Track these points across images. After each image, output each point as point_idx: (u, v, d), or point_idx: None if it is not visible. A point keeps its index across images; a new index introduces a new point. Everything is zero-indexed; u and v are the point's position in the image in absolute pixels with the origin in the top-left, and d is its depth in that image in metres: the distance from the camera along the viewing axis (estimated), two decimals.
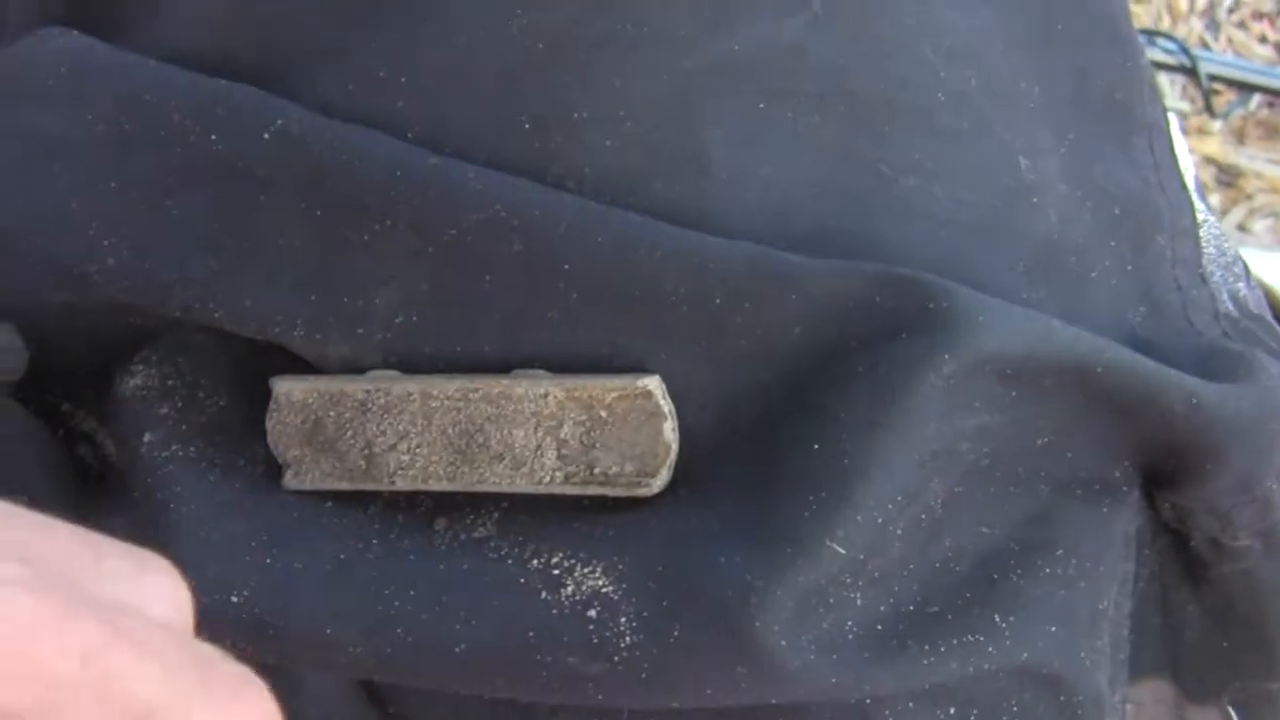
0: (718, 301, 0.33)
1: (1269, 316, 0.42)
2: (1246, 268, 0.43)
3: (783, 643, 0.32)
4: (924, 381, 0.32)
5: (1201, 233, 0.41)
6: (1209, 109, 1.71)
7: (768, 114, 0.35)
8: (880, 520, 0.32)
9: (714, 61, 0.35)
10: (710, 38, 0.35)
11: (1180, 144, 0.43)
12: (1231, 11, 1.98)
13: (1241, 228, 1.75)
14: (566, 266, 0.33)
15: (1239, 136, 1.85)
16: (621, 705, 0.33)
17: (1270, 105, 1.85)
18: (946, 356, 0.32)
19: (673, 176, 0.34)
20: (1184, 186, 0.41)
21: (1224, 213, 1.79)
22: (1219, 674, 0.38)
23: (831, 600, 0.32)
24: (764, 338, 0.33)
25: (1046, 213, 0.37)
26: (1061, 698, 0.34)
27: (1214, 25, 1.97)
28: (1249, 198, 1.80)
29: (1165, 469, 0.36)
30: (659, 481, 0.34)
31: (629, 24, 0.35)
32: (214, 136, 0.34)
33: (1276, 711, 0.38)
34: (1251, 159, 1.82)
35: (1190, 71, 1.62)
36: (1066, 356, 0.34)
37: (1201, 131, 1.83)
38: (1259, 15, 1.98)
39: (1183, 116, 1.85)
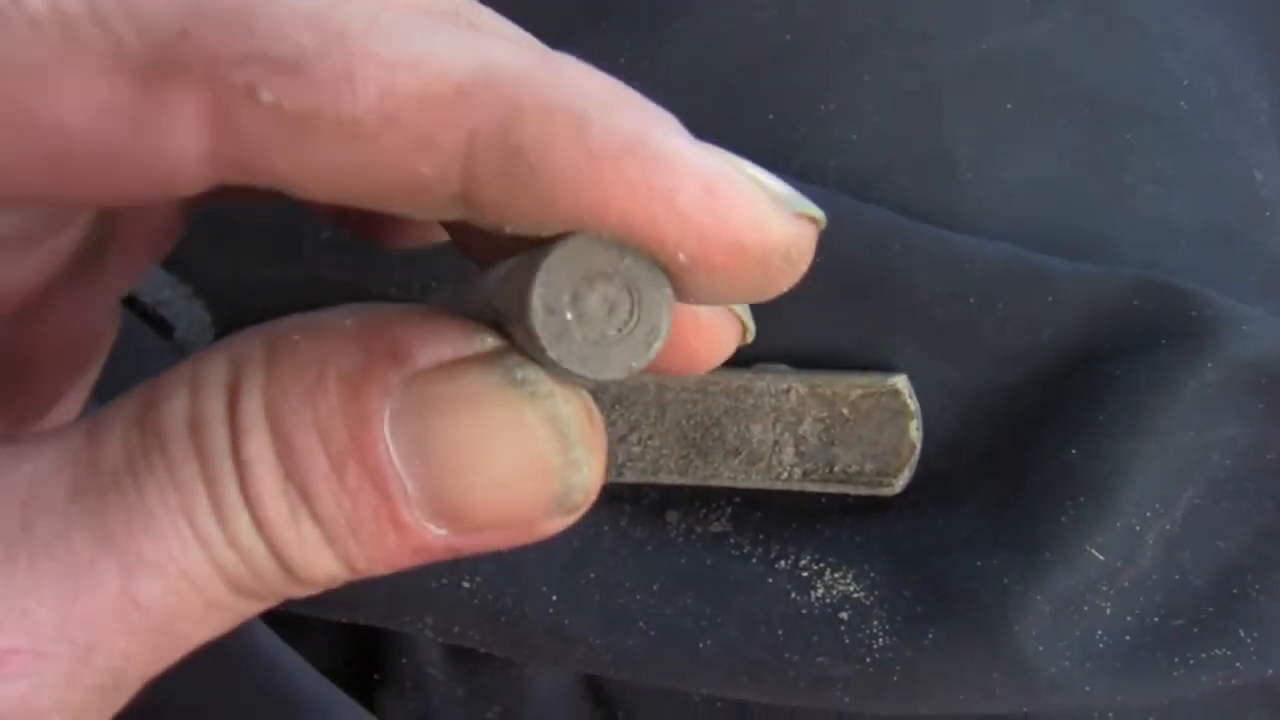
0: (970, 300, 0.33)
1: None
2: None
3: (1040, 648, 0.31)
4: (1186, 388, 0.32)
5: None
6: None
7: (1014, 116, 0.34)
8: (1138, 528, 0.32)
9: (962, 62, 0.34)
10: (959, 38, 0.34)
11: None
12: None
13: None
14: (817, 259, 0.33)
15: None
16: (868, 710, 0.32)
17: None
18: (1210, 364, 0.32)
19: (919, 174, 0.34)
20: None
21: None
22: None
23: (1085, 608, 0.32)
24: (1013, 339, 0.33)
25: (1278, 228, 0.36)
26: None
27: None
28: None
29: None
30: (900, 481, 0.34)
31: (879, 19, 0.34)
32: None
33: None
34: None
35: None
36: None
37: None
38: None
39: None
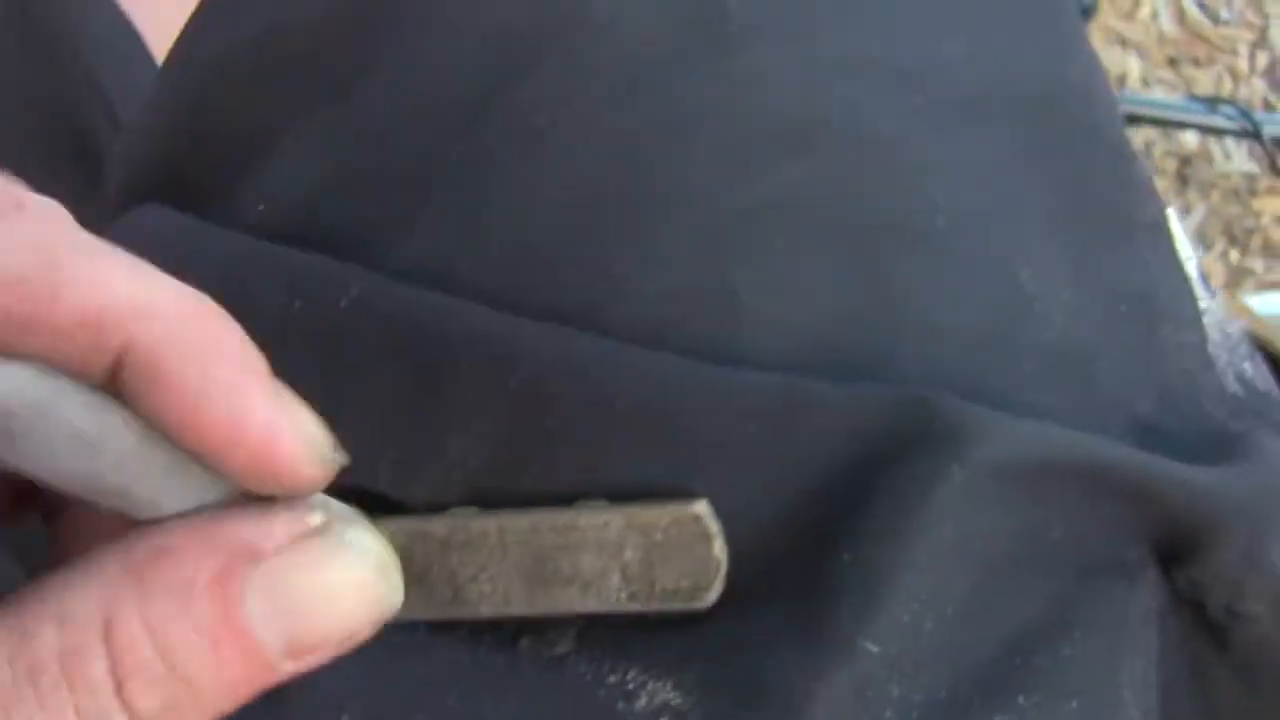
0: (753, 430, 0.37)
1: (1275, 391, 0.45)
2: (1250, 347, 0.46)
3: None
4: (936, 492, 0.36)
5: (1205, 319, 0.45)
6: (1275, 170, 1.73)
7: (787, 252, 0.39)
8: (907, 619, 0.36)
9: (735, 210, 0.39)
10: (730, 189, 0.39)
11: (1180, 236, 0.46)
12: None
13: None
14: (618, 407, 0.38)
15: None
16: None
17: None
18: (955, 467, 0.36)
19: (706, 318, 0.38)
20: (1186, 278, 0.45)
21: None
22: None
23: (869, 693, 0.36)
24: (797, 461, 0.37)
25: (1051, 318, 0.40)
26: None
27: (1277, 84, 1.98)
28: None
29: (1175, 547, 0.39)
30: (713, 595, 0.38)
31: (657, 183, 0.39)
32: (298, 304, 0.39)
33: None
34: None
35: (1255, 135, 1.65)
36: (1065, 459, 0.37)
37: (1272, 191, 1.85)
38: None
39: (1252, 178, 1.86)
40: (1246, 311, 1.53)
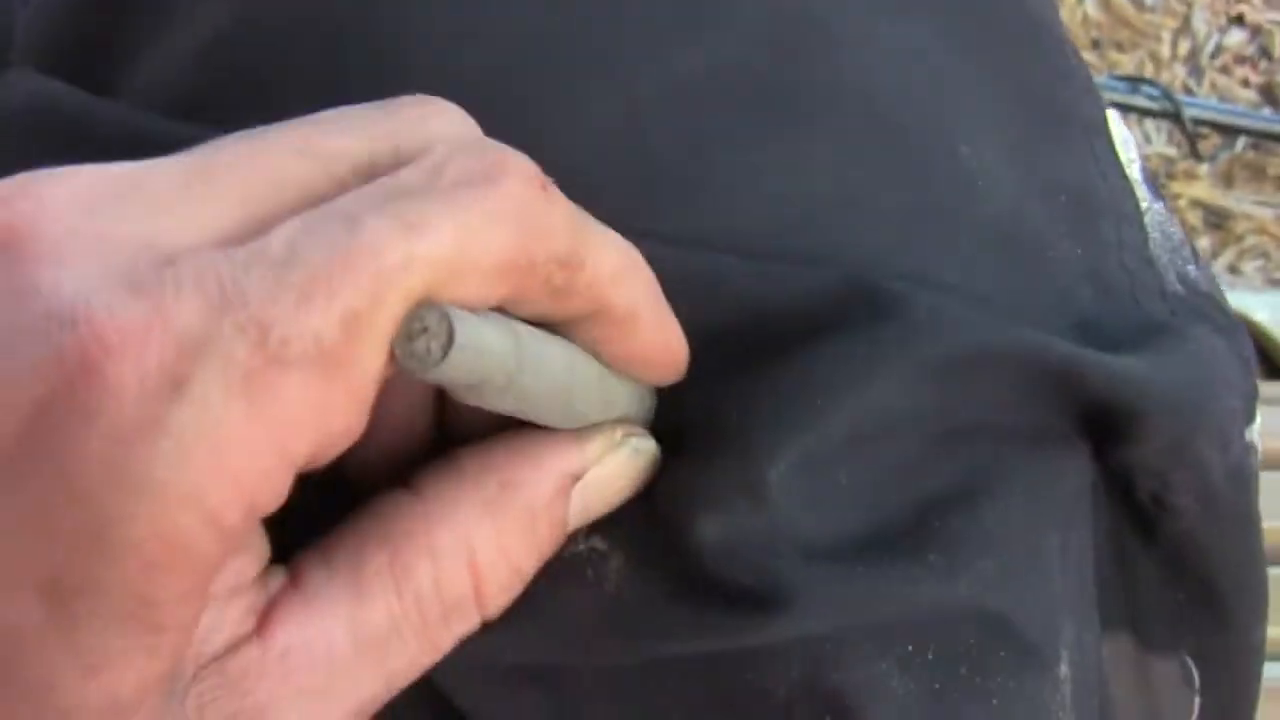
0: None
1: (1218, 295, 0.44)
2: (1194, 251, 0.45)
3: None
4: (869, 368, 0.34)
5: (1146, 219, 0.43)
6: (1194, 153, 1.75)
7: (722, 129, 0.36)
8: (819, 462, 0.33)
9: (664, 84, 0.36)
10: (656, 59, 0.36)
11: (1122, 138, 0.45)
12: (1214, 56, 2.02)
13: (1233, 269, 1.78)
14: None
15: (1227, 179, 1.88)
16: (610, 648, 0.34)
17: (1256, 147, 1.88)
18: (882, 349, 0.34)
19: (627, 189, 0.36)
20: (1125, 176, 0.43)
21: (1214, 255, 1.82)
22: (1175, 627, 0.39)
23: (776, 526, 0.33)
24: (742, 329, 0.35)
25: (994, 197, 0.38)
26: (1010, 637, 0.35)
27: (1197, 71, 2.01)
28: (1239, 239, 1.83)
29: (1105, 430, 0.38)
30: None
31: (585, 47, 0.36)
32: None
33: (1230, 663, 0.39)
34: (1239, 201, 1.85)
35: (1175, 117, 1.65)
36: (996, 350, 0.35)
37: (1189, 175, 1.87)
38: (1241, 59, 2.02)
39: (1170, 161, 1.88)
40: None
